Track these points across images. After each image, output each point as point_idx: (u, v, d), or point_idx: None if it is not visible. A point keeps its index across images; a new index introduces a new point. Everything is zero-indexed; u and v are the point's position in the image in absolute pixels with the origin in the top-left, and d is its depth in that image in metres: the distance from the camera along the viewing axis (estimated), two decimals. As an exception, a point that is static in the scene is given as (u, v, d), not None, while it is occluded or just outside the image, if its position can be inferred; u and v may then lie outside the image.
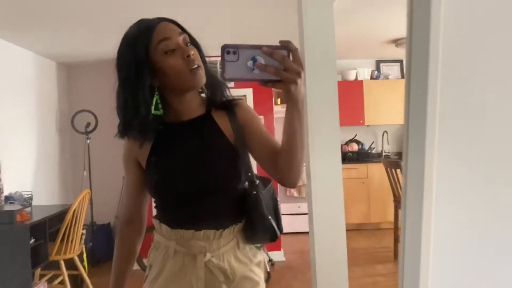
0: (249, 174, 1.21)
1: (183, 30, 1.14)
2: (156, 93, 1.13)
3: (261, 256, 1.30)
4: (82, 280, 3.94)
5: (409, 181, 0.68)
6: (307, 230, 5.45)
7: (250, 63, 0.88)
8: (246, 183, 1.21)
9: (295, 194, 5.80)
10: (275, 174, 1.14)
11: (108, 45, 4.32)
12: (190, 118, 1.20)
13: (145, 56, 1.08)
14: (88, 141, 4.83)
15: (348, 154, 5.92)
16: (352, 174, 5.69)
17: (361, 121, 5.98)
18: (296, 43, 0.95)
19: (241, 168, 1.18)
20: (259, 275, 1.26)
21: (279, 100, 5.89)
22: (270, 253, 4.50)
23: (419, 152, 0.60)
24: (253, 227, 1.21)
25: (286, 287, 3.93)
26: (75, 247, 3.65)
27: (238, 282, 1.20)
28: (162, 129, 1.18)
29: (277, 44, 0.91)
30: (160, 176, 1.17)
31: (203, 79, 1.12)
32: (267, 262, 4.24)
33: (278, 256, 4.66)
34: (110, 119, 5.87)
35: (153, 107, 1.12)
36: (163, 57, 1.09)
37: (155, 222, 1.26)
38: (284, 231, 4.67)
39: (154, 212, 1.30)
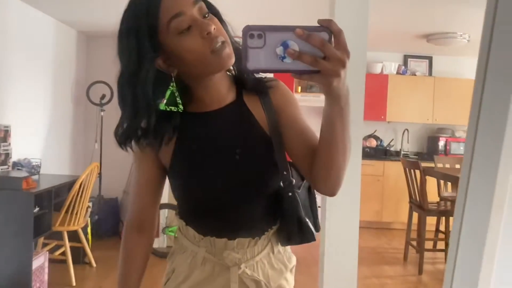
0: (285, 172, 1.01)
1: None
2: (172, 84, 0.92)
3: (294, 258, 1.15)
4: (84, 253, 3.90)
5: (473, 188, 0.57)
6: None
7: (280, 49, 0.70)
8: (282, 184, 1.02)
9: (307, 186, 5.67)
10: (310, 178, 0.96)
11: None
12: (220, 106, 1.00)
13: (152, 42, 0.87)
14: (102, 113, 4.76)
15: (366, 149, 5.75)
16: (368, 171, 5.51)
17: (382, 117, 5.79)
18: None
19: (279, 165, 1.00)
20: (291, 282, 1.13)
21: (299, 87, 5.72)
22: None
23: (491, 157, 0.49)
24: (289, 232, 1.05)
25: (289, 280, 3.83)
26: (80, 220, 3.59)
27: None
28: (187, 120, 0.99)
29: (315, 24, 0.71)
30: (187, 183, 1.01)
31: (231, 59, 0.89)
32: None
33: (284, 247, 4.56)
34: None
35: (165, 100, 0.91)
36: (177, 39, 0.87)
37: (180, 222, 1.10)
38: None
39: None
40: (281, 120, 0.99)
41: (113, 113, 4.64)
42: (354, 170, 2.40)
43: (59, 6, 3.96)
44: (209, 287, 1.05)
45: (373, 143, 5.90)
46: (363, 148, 5.76)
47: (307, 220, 1.04)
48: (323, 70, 0.69)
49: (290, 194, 1.02)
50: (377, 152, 5.86)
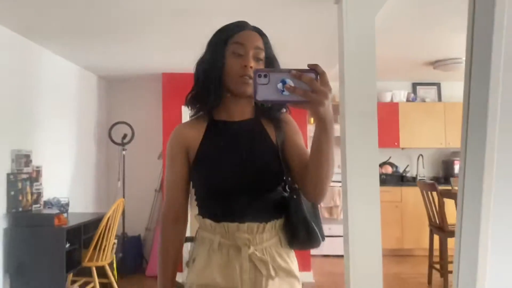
0: (290, 178, 1.25)
1: (266, 47, 1.26)
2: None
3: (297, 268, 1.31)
4: (111, 289, 3.96)
5: (467, 190, 0.73)
6: (337, 253, 5.36)
7: (280, 85, 0.95)
8: (288, 189, 1.25)
9: (326, 215, 5.70)
10: (302, 187, 1.21)
11: (148, 61, 4.45)
12: (241, 119, 1.28)
13: (224, 46, 1.23)
14: (123, 152, 4.94)
15: (382, 176, 5.80)
16: (385, 197, 5.55)
17: (396, 143, 5.88)
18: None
19: (284, 169, 1.24)
20: (298, 274, 1.29)
21: (312, 119, 5.88)
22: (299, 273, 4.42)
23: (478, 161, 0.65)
24: (296, 230, 1.24)
25: (315, 308, 3.83)
26: (107, 255, 3.69)
27: (280, 277, 1.23)
28: (214, 124, 1.28)
29: (305, 67, 0.96)
30: (210, 168, 1.23)
31: (246, 90, 1.21)
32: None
33: (307, 277, 4.56)
34: (146, 132, 5.98)
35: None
36: (230, 55, 1.22)
37: (198, 219, 1.29)
38: (313, 253, 4.57)
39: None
40: (287, 142, 1.28)
41: (134, 152, 4.92)
42: (373, 196, 2.45)
43: (81, 53, 4.23)
44: (227, 269, 1.20)
45: (389, 169, 5.96)
46: (380, 175, 5.81)
47: (312, 222, 1.23)
48: (311, 100, 0.94)
49: (295, 196, 1.23)
50: (393, 179, 5.91)
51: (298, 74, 0.94)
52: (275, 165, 1.23)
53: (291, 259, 1.28)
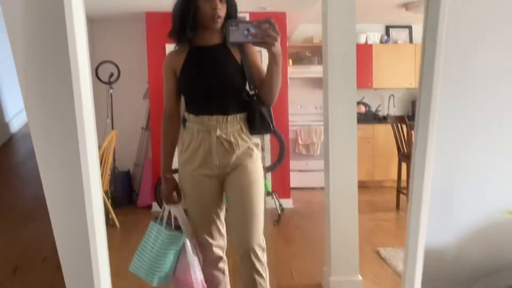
0: (252, 86, 1.81)
1: None
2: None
3: (258, 141, 1.88)
4: (107, 216, 4.26)
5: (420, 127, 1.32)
6: (313, 185, 5.79)
7: (245, 32, 1.52)
8: (250, 93, 1.82)
9: (303, 152, 6.08)
10: (260, 93, 1.81)
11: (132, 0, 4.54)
12: (212, 44, 1.81)
13: None
14: (111, 90, 5.10)
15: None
16: (358, 134, 5.85)
17: (369, 84, 6.23)
18: None
19: (245, 79, 1.80)
20: (256, 150, 1.86)
21: (290, 61, 6.12)
22: (280, 200, 4.81)
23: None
24: (254, 120, 1.80)
25: (295, 226, 4.28)
26: (105, 182, 3.97)
27: (240, 150, 1.80)
28: (192, 50, 1.81)
29: (263, 20, 1.51)
30: (188, 80, 1.80)
31: (215, 25, 1.74)
32: (278, 207, 4.57)
33: (287, 203, 4.99)
34: (132, 71, 6.12)
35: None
36: (202, 1, 1.71)
37: (186, 114, 1.87)
38: (292, 186, 5.04)
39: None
40: (249, 62, 1.81)
41: (121, 91, 5.11)
42: (350, 132, 2.77)
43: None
44: (201, 147, 1.80)
45: (362, 109, 6.34)
46: (353, 114, 6.19)
47: (266, 115, 1.80)
48: (266, 42, 1.55)
49: (255, 98, 1.82)
50: (366, 117, 6.31)
51: (258, 24, 1.52)
52: (237, 77, 1.78)
53: (250, 139, 1.83)
